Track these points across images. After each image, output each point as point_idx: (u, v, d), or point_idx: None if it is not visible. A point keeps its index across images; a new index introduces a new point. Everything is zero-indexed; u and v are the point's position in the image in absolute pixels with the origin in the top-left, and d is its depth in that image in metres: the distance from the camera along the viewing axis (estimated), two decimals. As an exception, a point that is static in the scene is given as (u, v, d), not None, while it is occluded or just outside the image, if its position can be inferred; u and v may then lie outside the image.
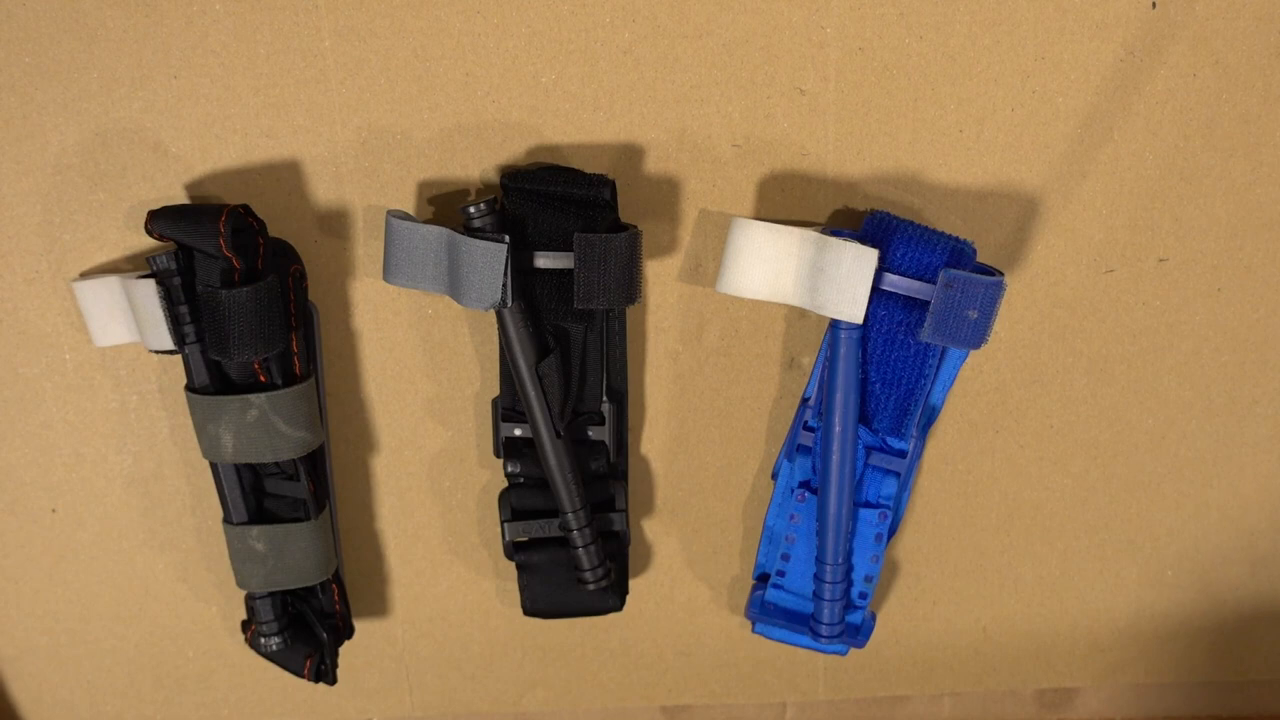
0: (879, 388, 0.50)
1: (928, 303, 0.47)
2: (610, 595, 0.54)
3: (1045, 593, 0.60)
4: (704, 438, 0.55)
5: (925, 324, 0.47)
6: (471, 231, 0.46)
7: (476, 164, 0.49)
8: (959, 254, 0.47)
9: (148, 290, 0.47)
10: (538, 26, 0.47)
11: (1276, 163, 0.51)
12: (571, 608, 0.54)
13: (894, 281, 0.47)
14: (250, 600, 0.53)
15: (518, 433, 0.52)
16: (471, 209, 0.46)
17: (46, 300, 0.51)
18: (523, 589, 0.54)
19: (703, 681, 0.62)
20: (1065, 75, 0.49)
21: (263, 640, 0.53)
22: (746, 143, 0.49)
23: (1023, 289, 0.53)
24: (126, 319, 0.49)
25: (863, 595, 0.55)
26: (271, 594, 0.52)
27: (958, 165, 0.50)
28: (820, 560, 0.53)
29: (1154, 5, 0.48)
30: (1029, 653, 0.62)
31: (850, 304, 0.47)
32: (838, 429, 0.50)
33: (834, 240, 0.46)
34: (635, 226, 0.48)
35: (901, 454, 0.52)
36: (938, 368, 0.50)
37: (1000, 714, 0.64)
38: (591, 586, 0.52)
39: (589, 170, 0.48)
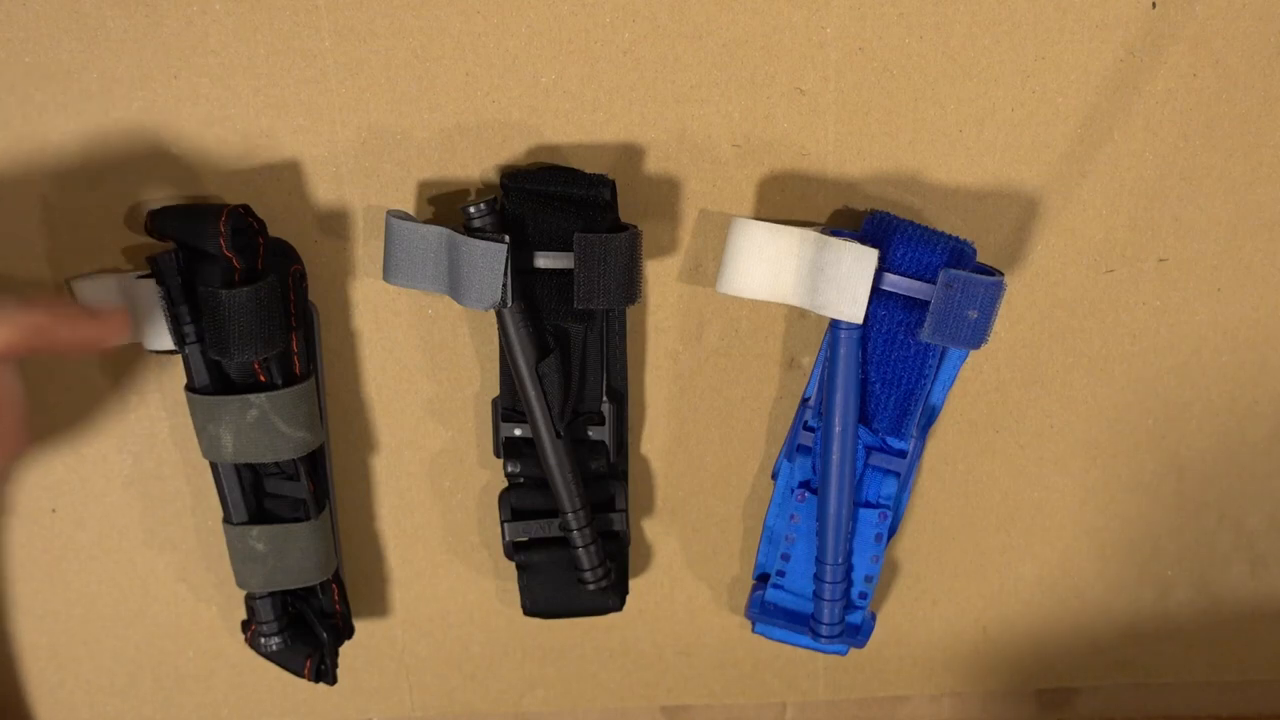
0: (879, 388, 0.50)
1: (928, 303, 0.47)
2: (610, 595, 0.54)
3: (1045, 593, 0.60)
4: (704, 438, 0.55)
5: (925, 324, 0.47)
6: (471, 231, 0.46)
7: (476, 164, 0.49)
8: (959, 254, 0.47)
9: (148, 290, 0.47)
10: (538, 26, 0.47)
11: (1276, 163, 0.51)
12: (571, 608, 0.54)
13: (894, 281, 0.47)
14: (250, 600, 0.53)
15: (518, 433, 0.52)
16: (471, 209, 0.46)
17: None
18: (523, 589, 0.54)
19: (703, 681, 0.62)
20: (1065, 75, 0.49)
21: (263, 640, 0.53)
22: (746, 143, 0.49)
23: (1023, 289, 0.53)
24: (126, 319, 0.49)
25: (863, 595, 0.55)
26: (271, 594, 0.52)
27: (958, 165, 0.50)
28: (820, 560, 0.53)
29: (1154, 5, 0.48)
30: (1029, 653, 0.62)
31: (850, 304, 0.47)
32: (838, 429, 0.50)
33: (834, 240, 0.46)
34: (635, 226, 0.48)
35: (901, 454, 0.52)
36: (938, 368, 0.50)
37: (1000, 714, 0.64)
38: (591, 586, 0.52)
39: (589, 170, 0.48)
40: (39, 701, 0.59)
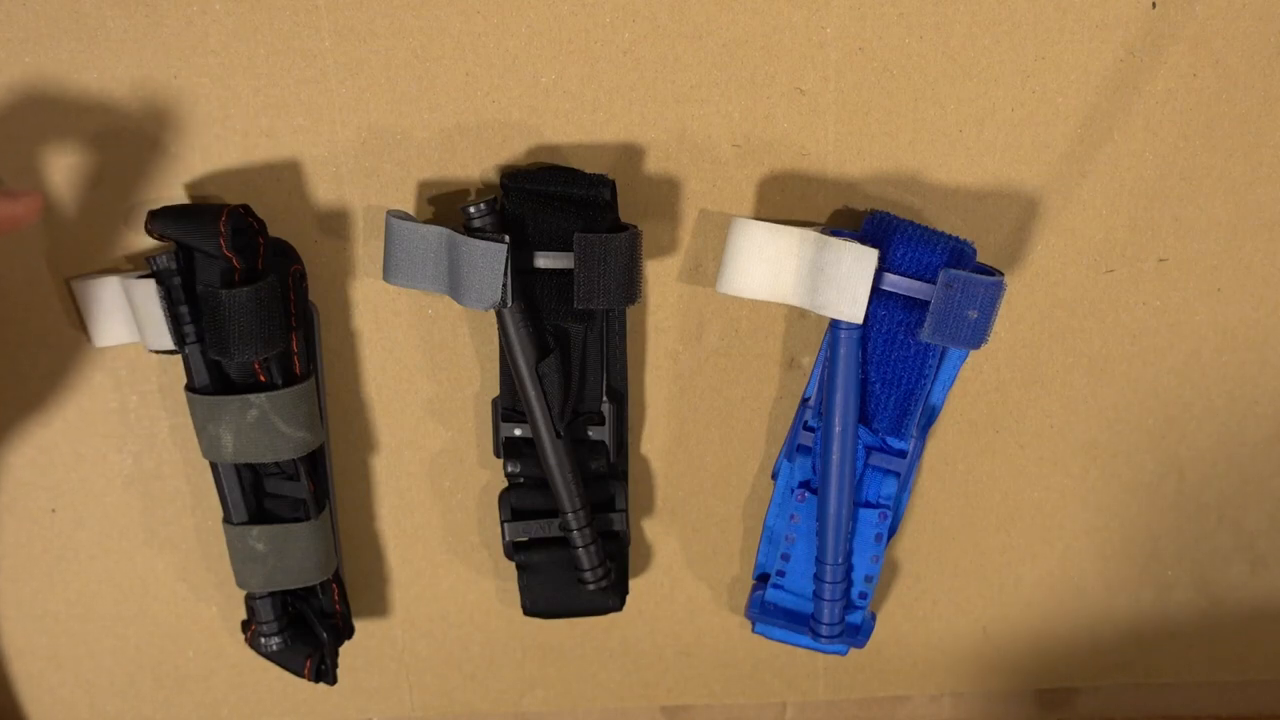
0: (879, 388, 0.50)
1: (928, 303, 0.47)
2: (610, 595, 0.54)
3: (1045, 593, 0.60)
4: (704, 438, 0.55)
5: (925, 324, 0.47)
6: (471, 231, 0.46)
7: (476, 164, 0.49)
8: (959, 254, 0.47)
9: (148, 290, 0.47)
10: (538, 26, 0.47)
11: (1276, 163, 0.51)
12: (571, 608, 0.54)
13: (894, 281, 0.47)
14: (250, 600, 0.53)
15: (518, 433, 0.52)
16: (471, 209, 0.46)
17: (46, 300, 0.51)
18: (523, 589, 0.54)
19: (703, 681, 0.62)
20: (1065, 75, 0.49)
21: (263, 640, 0.53)
22: (746, 143, 0.49)
23: (1023, 289, 0.53)
24: (126, 319, 0.49)
25: (863, 595, 0.55)
26: (271, 594, 0.52)
27: (958, 165, 0.50)
28: (820, 560, 0.53)
29: (1154, 5, 0.48)
30: (1029, 653, 0.62)
31: (850, 304, 0.47)
32: (838, 429, 0.50)
33: (834, 240, 0.46)
34: (635, 226, 0.48)
35: (901, 454, 0.52)
36: (938, 368, 0.50)
37: (1000, 714, 0.64)
38: (591, 586, 0.52)
39: (589, 170, 0.48)
40: (39, 701, 0.59)
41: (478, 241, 0.45)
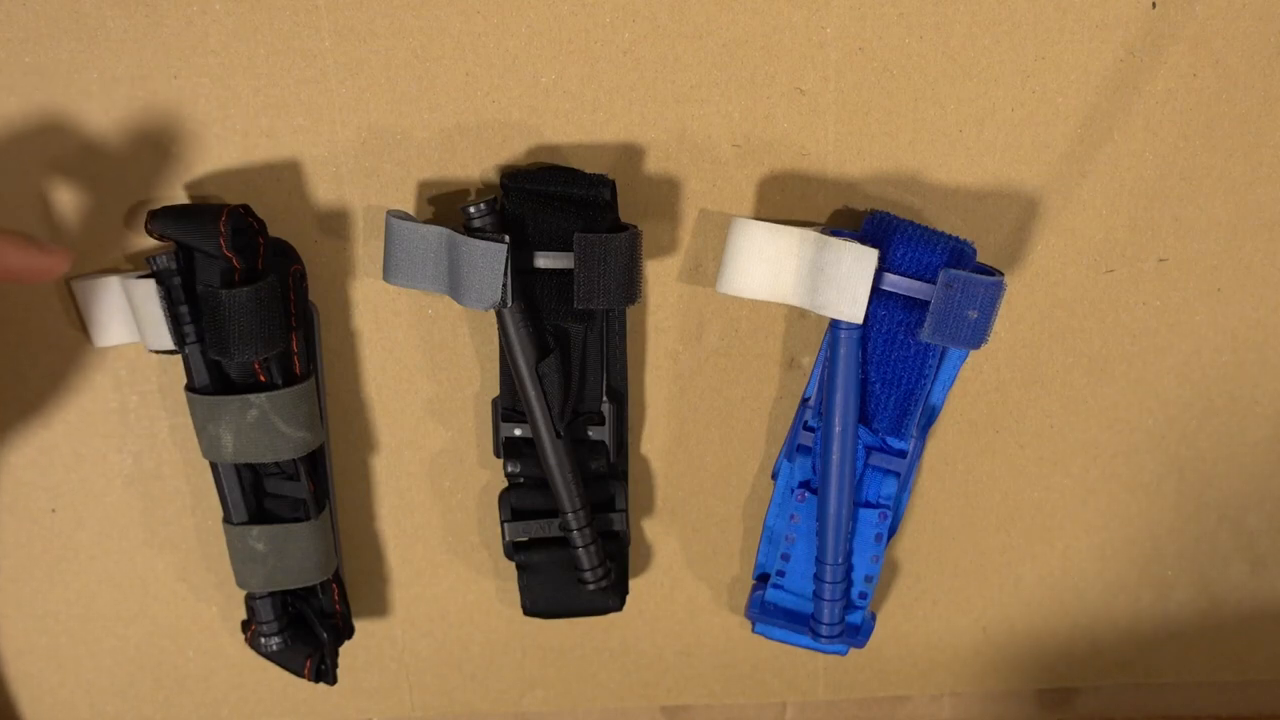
0: (879, 388, 0.50)
1: (928, 303, 0.47)
2: (610, 595, 0.54)
3: (1045, 593, 0.60)
4: (704, 438, 0.55)
5: (925, 324, 0.47)
6: (471, 231, 0.46)
7: (476, 164, 0.49)
8: (959, 254, 0.47)
9: (148, 290, 0.47)
10: (538, 26, 0.47)
11: (1276, 163, 0.51)
12: (571, 608, 0.54)
13: (894, 281, 0.47)
14: (250, 600, 0.53)
15: (518, 433, 0.52)
16: (471, 209, 0.46)
17: (46, 300, 0.51)
18: (523, 589, 0.54)
19: (703, 681, 0.62)
20: (1065, 75, 0.49)
21: (263, 640, 0.53)
22: (746, 143, 0.49)
23: (1023, 289, 0.53)
24: (126, 319, 0.49)
25: (863, 595, 0.55)
26: (271, 594, 0.52)
27: (958, 165, 0.50)
28: (820, 560, 0.53)
29: (1154, 5, 0.48)
30: (1029, 653, 0.62)
31: (850, 304, 0.47)
32: (838, 429, 0.50)
33: (834, 240, 0.46)
34: (635, 226, 0.48)
35: (901, 454, 0.52)
36: (938, 368, 0.50)
37: (1000, 714, 0.64)
38: (591, 586, 0.52)
39: (589, 170, 0.48)
40: (39, 701, 0.59)
41: (478, 241, 0.45)
